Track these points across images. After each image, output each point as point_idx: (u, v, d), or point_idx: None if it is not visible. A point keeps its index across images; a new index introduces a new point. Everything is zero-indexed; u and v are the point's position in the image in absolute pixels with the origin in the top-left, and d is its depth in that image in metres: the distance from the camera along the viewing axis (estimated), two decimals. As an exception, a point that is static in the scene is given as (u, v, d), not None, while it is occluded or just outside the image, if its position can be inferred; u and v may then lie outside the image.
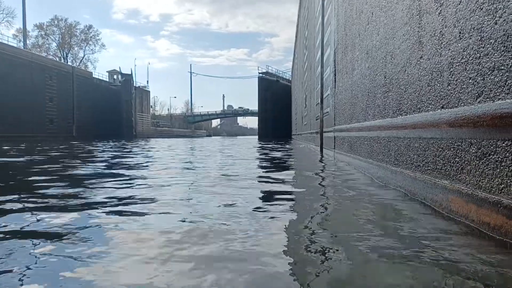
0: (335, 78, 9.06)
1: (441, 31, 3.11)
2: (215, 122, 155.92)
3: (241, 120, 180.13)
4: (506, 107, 2.20)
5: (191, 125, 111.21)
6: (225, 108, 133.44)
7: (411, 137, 3.84)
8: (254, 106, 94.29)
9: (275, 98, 58.04)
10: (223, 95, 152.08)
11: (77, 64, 70.69)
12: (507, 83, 2.22)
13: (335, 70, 9.07)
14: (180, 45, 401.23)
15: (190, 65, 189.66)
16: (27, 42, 58.80)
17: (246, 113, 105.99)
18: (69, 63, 64.16)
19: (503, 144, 2.28)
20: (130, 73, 66.65)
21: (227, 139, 51.23)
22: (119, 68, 67.62)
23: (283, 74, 65.56)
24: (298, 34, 34.94)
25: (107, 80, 65.49)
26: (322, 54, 12.74)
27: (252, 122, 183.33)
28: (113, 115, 60.93)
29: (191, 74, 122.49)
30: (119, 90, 64.16)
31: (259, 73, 61.06)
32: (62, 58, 69.76)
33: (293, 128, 44.41)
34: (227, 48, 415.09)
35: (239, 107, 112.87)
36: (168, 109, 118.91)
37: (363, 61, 5.96)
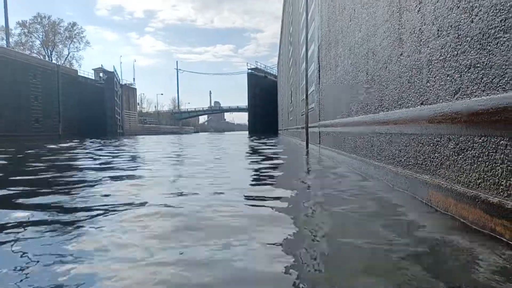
0: (319, 74, 9.10)
1: (420, 29, 3.15)
2: (202, 119, 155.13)
3: (228, 116, 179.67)
4: (482, 104, 2.24)
5: (178, 121, 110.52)
6: (212, 104, 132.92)
7: (393, 133, 3.89)
8: (240, 102, 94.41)
9: (264, 93, 58.12)
10: (210, 91, 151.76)
11: (62, 62, 69.36)
12: (483, 81, 2.27)
13: (319, 66, 9.10)
14: (166, 41, 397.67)
15: (176, 62, 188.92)
16: (10, 40, 57.54)
17: (233, 109, 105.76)
18: (54, 61, 62.96)
19: (480, 140, 2.33)
20: (113, 70, 65.84)
21: (215, 136, 49.87)
22: (101, 65, 66.70)
23: (270, 69, 65.70)
24: (283, 29, 34.90)
25: (93, 78, 64.46)
26: (307, 50, 12.76)
27: (239, 118, 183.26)
28: (99, 113, 60.16)
29: (177, 71, 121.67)
30: (104, 88, 63.38)
31: (248, 69, 61.05)
32: (46, 56, 68.43)
33: (279, 123, 44.45)
34: (213, 44, 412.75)
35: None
36: (155, 106, 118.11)
37: (346, 57, 6.00)
